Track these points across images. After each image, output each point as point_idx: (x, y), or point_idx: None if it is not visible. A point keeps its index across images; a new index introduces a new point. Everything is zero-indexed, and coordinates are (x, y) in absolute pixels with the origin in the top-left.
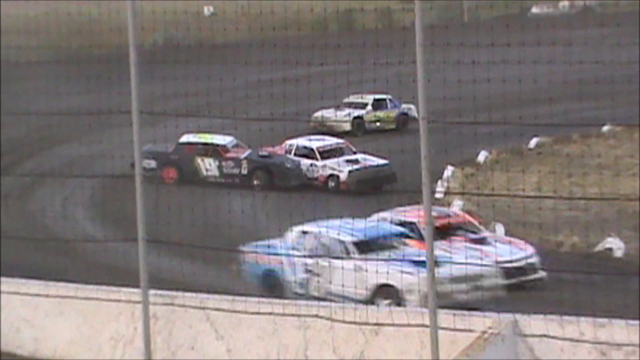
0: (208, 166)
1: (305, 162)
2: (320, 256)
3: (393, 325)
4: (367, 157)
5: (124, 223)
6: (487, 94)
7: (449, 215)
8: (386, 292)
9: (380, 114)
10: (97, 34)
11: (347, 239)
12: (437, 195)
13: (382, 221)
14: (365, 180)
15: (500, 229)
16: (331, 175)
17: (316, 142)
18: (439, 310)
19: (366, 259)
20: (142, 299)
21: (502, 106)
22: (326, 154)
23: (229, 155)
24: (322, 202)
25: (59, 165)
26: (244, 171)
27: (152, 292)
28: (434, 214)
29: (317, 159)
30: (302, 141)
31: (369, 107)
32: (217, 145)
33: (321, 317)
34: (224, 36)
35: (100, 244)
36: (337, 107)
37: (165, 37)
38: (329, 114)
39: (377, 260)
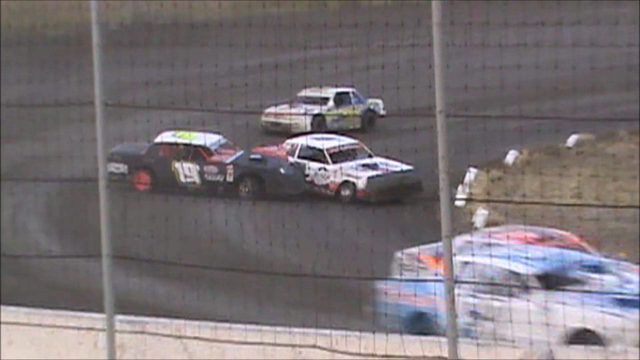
0: (187, 172)
1: (312, 166)
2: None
3: (405, 357)
4: (387, 161)
5: (86, 236)
6: (517, 82)
7: (552, 238)
8: (585, 340)
9: (344, 110)
10: (52, 11)
11: (526, 270)
12: (458, 203)
13: (559, 248)
14: (388, 189)
15: None
16: (346, 183)
17: (326, 142)
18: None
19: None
20: (107, 326)
21: (535, 97)
22: (338, 156)
23: (212, 158)
24: (335, 214)
25: (7, 167)
26: (230, 178)
27: (118, 317)
28: (533, 234)
29: (327, 163)
30: (308, 140)
31: (331, 103)
32: (199, 146)
33: (320, 348)
34: (204, 13)
35: (58, 261)
36: (291, 103)
37: (135, 14)
38: (282, 110)
39: (579, 292)
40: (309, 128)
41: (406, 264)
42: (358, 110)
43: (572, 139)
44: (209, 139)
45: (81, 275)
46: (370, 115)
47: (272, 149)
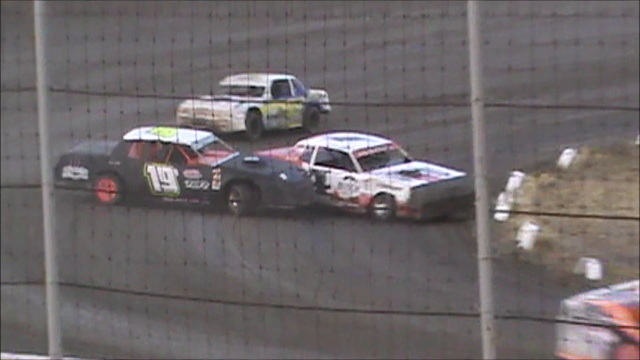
0: (163, 177)
1: (335, 174)
2: None
3: None
4: (429, 165)
5: (27, 259)
6: (575, 62)
7: None
8: None
9: (283, 105)
10: None
11: None
12: (499, 217)
13: None
14: (436, 203)
15: (594, 267)
16: (381, 195)
17: (352, 143)
18: None
19: None
20: None
21: (597, 81)
22: (368, 161)
23: (196, 161)
24: (342, 230)
25: None
26: (216, 185)
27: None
28: None
29: (355, 170)
30: (327, 141)
31: (268, 94)
32: (178, 145)
33: None
34: None
35: None
36: (212, 95)
37: None
38: (204, 104)
39: None
40: (242, 127)
41: (581, 316)
42: (299, 105)
43: None
44: (192, 136)
45: (20, 306)
46: (313, 111)
47: (281, 152)
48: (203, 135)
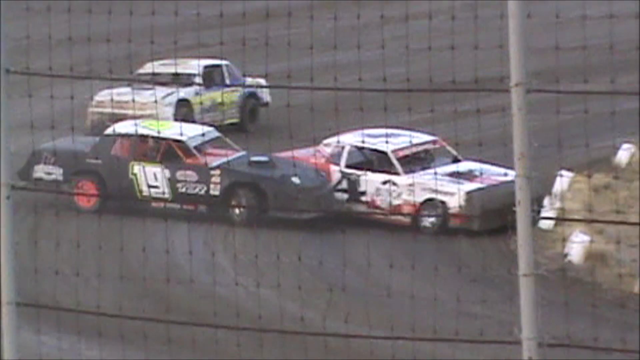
0: (152, 179)
1: (372, 179)
2: None
3: None
4: (482, 165)
5: None
6: (635, 40)
7: None
8: None
9: (217, 95)
10: None
11: None
12: (543, 225)
13: None
14: (497, 210)
15: None
16: (429, 202)
17: (390, 140)
18: None
19: None
20: None
21: None
22: (411, 162)
23: (192, 161)
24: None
25: None
26: (215, 190)
27: None
28: None
29: (396, 172)
30: (360, 138)
31: (199, 82)
32: (171, 140)
33: None
34: None
35: None
36: (129, 84)
37: None
38: (123, 95)
39: None
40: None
41: None
42: (235, 95)
43: None
44: (189, 131)
45: None
46: (253, 104)
47: (303, 153)
48: (202, 130)
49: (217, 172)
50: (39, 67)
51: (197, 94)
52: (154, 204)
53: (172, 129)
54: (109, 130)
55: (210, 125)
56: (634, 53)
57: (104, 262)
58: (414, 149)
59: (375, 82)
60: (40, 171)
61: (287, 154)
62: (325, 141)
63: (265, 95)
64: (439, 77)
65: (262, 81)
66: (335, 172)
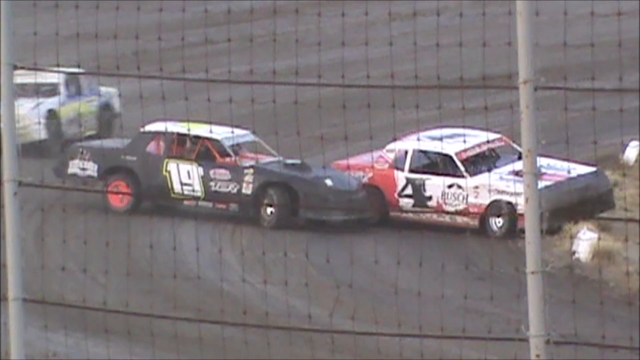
0: (185, 177)
1: (437, 182)
2: None
3: None
4: (549, 160)
5: None
6: None
7: None
8: None
9: (78, 105)
10: None
11: None
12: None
13: None
14: (567, 208)
15: None
16: (495, 204)
17: (451, 142)
18: None
19: None
20: None
21: None
22: (475, 163)
23: (224, 161)
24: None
25: None
26: (247, 189)
27: None
28: None
29: (461, 175)
30: (420, 143)
31: (63, 92)
32: (207, 139)
33: None
34: None
35: None
36: None
37: None
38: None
39: None
40: (44, 135)
41: None
42: (93, 105)
43: None
44: (225, 132)
45: None
46: (108, 116)
47: (363, 161)
48: (239, 133)
49: (250, 171)
50: (47, 63)
51: (61, 104)
52: (186, 202)
53: (213, 130)
54: (147, 127)
55: (73, 139)
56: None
57: (110, 258)
58: (478, 149)
59: (383, 79)
60: (75, 167)
61: (343, 162)
62: (388, 147)
63: (117, 106)
64: (447, 74)
65: (114, 90)
66: (400, 178)
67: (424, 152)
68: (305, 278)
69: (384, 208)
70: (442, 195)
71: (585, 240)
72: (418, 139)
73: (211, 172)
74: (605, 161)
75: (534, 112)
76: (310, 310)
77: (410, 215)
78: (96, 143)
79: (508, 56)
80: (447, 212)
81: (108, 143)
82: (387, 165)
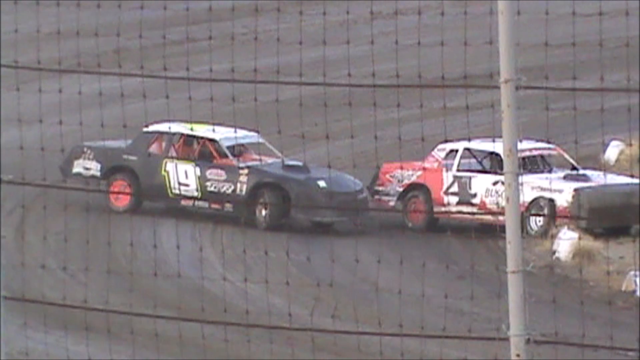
0: (183, 177)
1: (482, 179)
2: None
3: None
4: (601, 173)
5: None
6: (625, 37)
7: None
8: None
9: None
10: None
11: None
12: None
13: None
14: (607, 210)
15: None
16: (537, 202)
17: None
18: None
19: None
20: None
21: None
22: (525, 164)
23: (225, 161)
24: (344, 237)
25: None
26: (241, 189)
27: None
28: None
29: None
30: (471, 142)
31: None
32: (206, 139)
33: None
34: None
35: None
36: None
37: None
38: None
39: None
40: None
41: None
42: None
43: None
44: (225, 133)
45: None
46: None
47: (414, 161)
48: (243, 134)
49: (245, 171)
50: (28, 61)
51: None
52: (183, 202)
53: (215, 130)
54: (149, 127)
55: None
56: (622, 50)
57: (90, 256)
58: (528, 153)
59: (364, 78)
60: (79, 166)
61: (396, 164)
62: (440, 146)
63: None
64: (428, 73)
65: None
66: (448, 176)
67: (473, 151)
68: (285, 277)
69: (429, 205)
70: (485, 192)
71: (565, 240)
72: (469, 140)
73: (207, 172)
74: (586, 160)
75: (515, 112)
76: (290, 308)
77: (453, 213)
78: (99, 142)
79: (489, 55)
80: (490, 212)
81: (111, 143)
82: (436, 164)
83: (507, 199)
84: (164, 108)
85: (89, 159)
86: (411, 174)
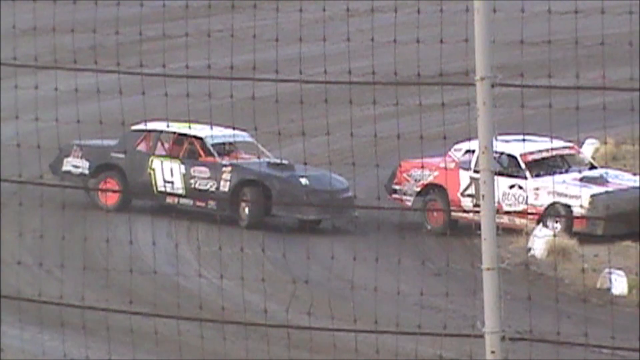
0: (168, 174)
1: (500, 184)
2: None
3: None
4: (619, 173)
5: None
6: (600, 35)
7: None
8: None
9: None
10: None
11: None
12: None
13: None
14: (625, 215)
15: (620, 280)
16: (554, 206)
17: (519, 145)
18: None
19: None
20: None
21: (625, 58)
22: (541, 166)
23: (206, 159)
24: (324, 233)
25: None
26: (224, 187)
27: None
28: None
29: (523, 177)
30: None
31: None
32: (193, 137)
33: None
34: None
35: None
36: None
37: None
38: None
39: None
40: None
41: None
42: None
43: None
44: (217, 132)
45: None
46: None
47: (430, 159)
48: (228, 132)
49: (228, 169)
50: (3, 57)
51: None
52: (168, 199)
53: (202, 129)
54: (137, 126)
55: None
56: (598, 48)
57: (66, 252)
58: (545, 154)
59: (340, 75)
60: (68, 164)
61: (415, 161)
62: (457, 146)
63: None
64: (404, 71)
65: None
66: (464, 177)
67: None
68: (261, 273)
69: (446, 206)
70: (502, 195)
71: (540, 238)
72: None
73: (192, 169)
74: None
75: (491, 109)
76: (266, 305)
77: (471, 215)
78: (88, 141)
79: (465, 53)
80: (506, 213)
81: (99, 141)
82: (453, 165)
83: (483, 196)
84: (141, 104)
85: (78, 157)
86: (428, 174)
